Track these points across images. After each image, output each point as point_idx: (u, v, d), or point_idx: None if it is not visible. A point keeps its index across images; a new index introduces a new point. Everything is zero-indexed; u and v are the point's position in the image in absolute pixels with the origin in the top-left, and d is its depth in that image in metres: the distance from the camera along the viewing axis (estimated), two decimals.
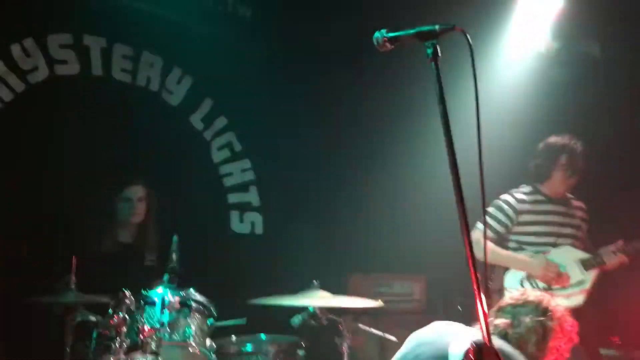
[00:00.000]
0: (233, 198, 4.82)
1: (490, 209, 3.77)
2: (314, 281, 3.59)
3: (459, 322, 2.05)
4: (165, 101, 4.58)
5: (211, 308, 3.19)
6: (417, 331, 2.07)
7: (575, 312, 2.57)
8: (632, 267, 3.79)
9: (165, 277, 3.08)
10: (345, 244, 4.74)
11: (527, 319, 2.05)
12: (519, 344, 2.01)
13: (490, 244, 3.67)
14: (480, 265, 1.52)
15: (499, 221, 3.78)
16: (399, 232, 4.74)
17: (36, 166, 3.92)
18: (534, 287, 3.69)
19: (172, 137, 4.50)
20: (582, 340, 2.20)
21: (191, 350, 3.00)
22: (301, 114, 4.82)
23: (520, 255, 3.76)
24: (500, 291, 3.69)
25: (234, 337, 3.54)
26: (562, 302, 3.21)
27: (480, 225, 3.49)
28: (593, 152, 3.88)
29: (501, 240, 3.81)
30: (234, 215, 4.81)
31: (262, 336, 3.65)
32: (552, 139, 3.83)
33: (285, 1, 4.75)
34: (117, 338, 2.81)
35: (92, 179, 3.98)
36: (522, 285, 3.74)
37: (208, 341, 3.11)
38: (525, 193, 3.85)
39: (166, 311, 2.93)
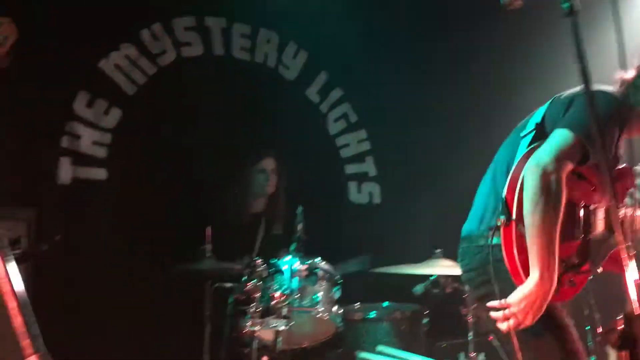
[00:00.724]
0: (350, 169, 4.89)
1: None
2: (437, 249, 3.59)
3: None
4: (282, 76, 4.71)
5: (336, 276, 3.29)
6: None
7: None
8: None
9: (293, 246, 3.22)
10: (466, 212, 4.65)
11: None
12: None
13: None
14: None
15: None
16: None
17: (171, 142, 4.18)
18: None
19: (290, 111, 4.63)
20: None
21: (319, 316, 3.13)
22: (416, 83, 4.76)
23: None
24: None
25: (358, 304, 3.64)
26: None
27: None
28: None
29: None
30: (352, 185, 4.89)
31: (385, 304, 3.72)
32: None
33: None
34: (252, 303, 2.99)
35: (225, 152, 4.20)
36: None
37: (335, 307, 3.22)
38: None
39: (295, 279, 3.07)
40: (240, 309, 3.14)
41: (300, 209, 3.23)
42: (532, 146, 1.98)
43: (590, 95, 1.61)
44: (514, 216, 1.86)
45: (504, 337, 1.97)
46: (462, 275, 2.25)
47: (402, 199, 4.77)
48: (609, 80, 2.06)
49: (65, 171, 3.92)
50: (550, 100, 2.10)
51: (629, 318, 1.33)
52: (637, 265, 1.44)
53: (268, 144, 4.21)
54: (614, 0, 1.56)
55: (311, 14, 4.58)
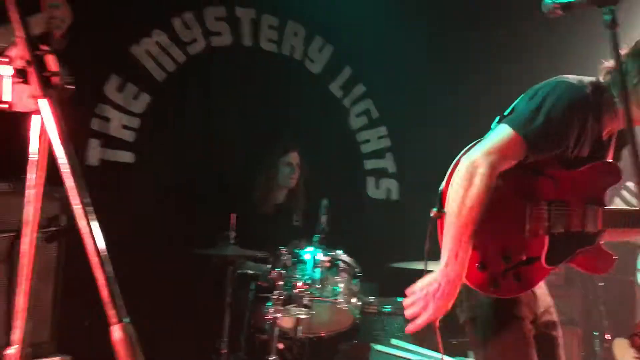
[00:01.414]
0: (370, 164, 4.96)
1: None
2: None
3: None
4: (308, 69, 4.77)
5: (357, 269, 3.37)
6: None
7: None
8: None
9: (316, 237, 3.30)
10: None
11: None
12: None
13: None
14: None
15: None
16: None
17: (199, 130, 4.26)
18: None
19: (314, 104, 4.69)
20: None
21: (339, 307, 3.21)
22: (438, 82, 4.81)
23: None
24: None
25: (373, 298, 3.71)
26: None
27: None
28: None
29: None
30: (370, 181, 4.96)
31: (400, 299, 3.79)
32: None
33: None
34: (275, 291, 3.07)
35: (251, 142, 4.28)
36: None
37: (354, 299, 3.30)
38: None
39: (317, 269, 3.15)
40: (262, 296, 3.23)
41: (324, 202, 3.30)
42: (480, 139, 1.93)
43: (625, 108, 1.65)
44: (445, 208, 1.85)
45: (469, 330, 1.98)
46: None
47: (420, 197, 4.81)
48: None
49: (94, 153, 4.00)
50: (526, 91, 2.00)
51: None
52: None
53: (293, 136, 4.28)
54: None
55: (338, 8, 4.63)
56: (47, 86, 1.24)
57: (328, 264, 3.20)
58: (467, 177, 1.80)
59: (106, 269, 1.15)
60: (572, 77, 1.94)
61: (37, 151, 1.29)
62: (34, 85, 1.23)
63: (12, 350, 1.24)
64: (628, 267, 3.79)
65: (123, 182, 4.03)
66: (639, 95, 1.88)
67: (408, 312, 1.86)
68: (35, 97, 1.23)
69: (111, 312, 1.09)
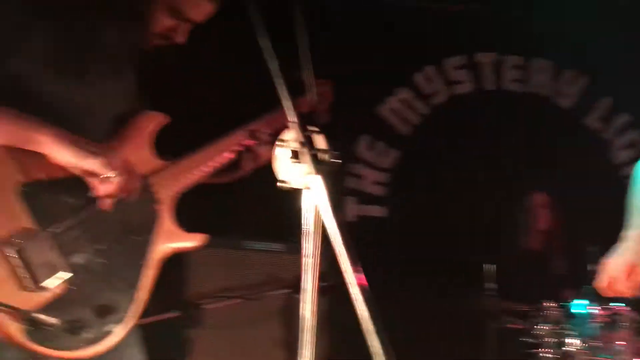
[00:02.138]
0: None
1: None
2: None
3: None
4: (557, 104, 4.49)
5: None
6: None
7: None
8: None
9: (586, 288, 3.00)
10: None
11: None
12: None
13: None
14: None
15: None
16: None
17: (445, 177, 4.27)
18: None
19: (566, 140, 4.38)
20: None
21: None
22: None
23: None
24: None
25: None
26: None
27: None
28: None
29: None
30: None
31: None
32: None
33: None
34: (544, 348, 2.85)
35: (500, 186, 4.16)
36: None
37: None
38: None
39: (593, 325, 2.85)
40: (529, 352, 3.02)
41: (594, 248, 3.00)
42: None
43: None
44: None
45: None
46: None
47: None
48: None
49: (351, 209, 4.25)
50: None
51: None
52: None
53: (544, 175, 4.04)
54: None
55: (587, 36, 4.30)
56: (317, 163, 1.33)
57: (606, 319, 2.86)
58: None
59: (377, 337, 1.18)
60: None
61: (310, 223, 1.39)
62: (307, 164, 1.34)
63: None
64: None
65: (378, 235, 4.19)
66: None
67: None
68: (308, 174, 1.34)
69: None
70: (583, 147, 4.44)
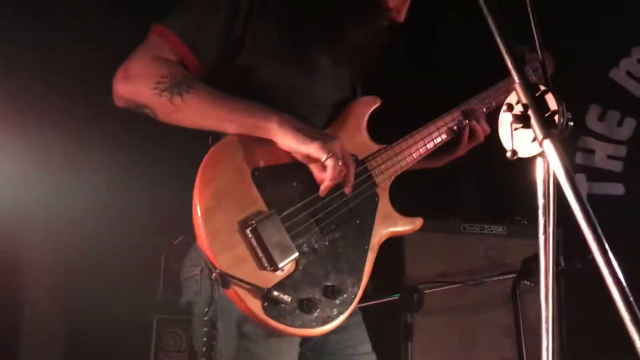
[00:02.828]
0: None
1: None
2: None
3: None
4: None
5: None
6: None
7: None
8: None
9: None
10: None
11: None
12: None
13: None
14: None
15: None
16: None
17: None
18: None
19: None
20: None
21: None
22: None
23: None
24: None
25: None
26: None
27: None
28: None
29: None
30: None
31: None
32: None
33: None
34: None
35: None
36: None
37: None
38: None
39: None
40: None
41: None
42: None
43: None
44: None
45: None
46: None
47: None
48: None
49: (581, 188, 3.84)
50: None
51: None
52: None
53: None
54: None
55: None
56: (548, 127, 1.18)
57: None
58: None
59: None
60: None
61: (543, 195, 1.24)
62: (536, 128, 1.19)
63: None
64: None
65: (613, 215, 3.72)
66: None
67: None
68: (537, 140, 1.19)
69: None
70: None
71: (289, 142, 1.47)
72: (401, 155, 1.73)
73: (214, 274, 1.38)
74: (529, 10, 1.24)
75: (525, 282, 2.51)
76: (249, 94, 1.53)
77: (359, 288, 1.57)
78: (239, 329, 1.46)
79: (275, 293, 1.42)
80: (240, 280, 1.39)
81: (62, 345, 3.15)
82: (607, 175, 3.81)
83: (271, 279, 1.44)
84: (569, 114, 1.25)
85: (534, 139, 1.21)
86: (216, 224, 1.41)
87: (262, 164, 1.50)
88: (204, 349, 1.43)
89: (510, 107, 1.21)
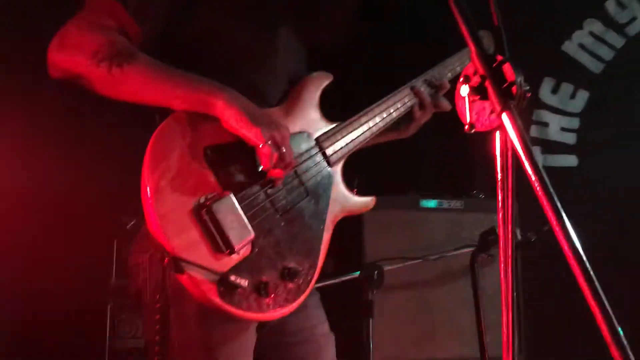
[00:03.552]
0: None
1: None
2: None
3: None
4: None
5: None
6: None
7: None
8: None
9: None
10: None
11: None
12: None
13: None
14: None
15: None
16: None
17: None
18: None
19: None
20: None
21: None
22: None
23: None
24: None
25: None
26: None
27: None
28: None
29: None
30: None
31: None
32: None
33: None
34: None
35: None
36: None
37: None
38: None
39: None
40: None
41: None
42: None
43: None
44: None
45: None
46: None
47: None
48: None
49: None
50: None
51: None
52: None
53: None
54: None
55: None
56: (506, 98, 1.15)
57: None
58: None
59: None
60: None
61: (501, 168, 1.21)
62: (493, 100, 1.16)
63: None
64: None
65: (567, 187, 3.79)
66: None
67: None
68: (495, 113, 1.16)
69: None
70: None
71: (231, 121, 1.39)
72: (355, 133, 1.69)
73: (166, 259, 1.31)
74: None
75: (483, 255, 2.54)
76: (203, 62, 1.46)
77: (315, 269, 1.54)
78: (194, 316, 1.41)
79: (232, 277, 1.36)
80: (195, 264, 1.33)
81: (14, 335, 3.04)
82: (561, 147, 3.87)
83: (227, 262, 1.38)
84: (527, 84, 1.23)
85: (492, 111, 1.19)
86: (167, 206, 1.34)
87: (214, 142, 1.43)
88: (157, 339, 1.36)
89: (467, 79, 1.18)
